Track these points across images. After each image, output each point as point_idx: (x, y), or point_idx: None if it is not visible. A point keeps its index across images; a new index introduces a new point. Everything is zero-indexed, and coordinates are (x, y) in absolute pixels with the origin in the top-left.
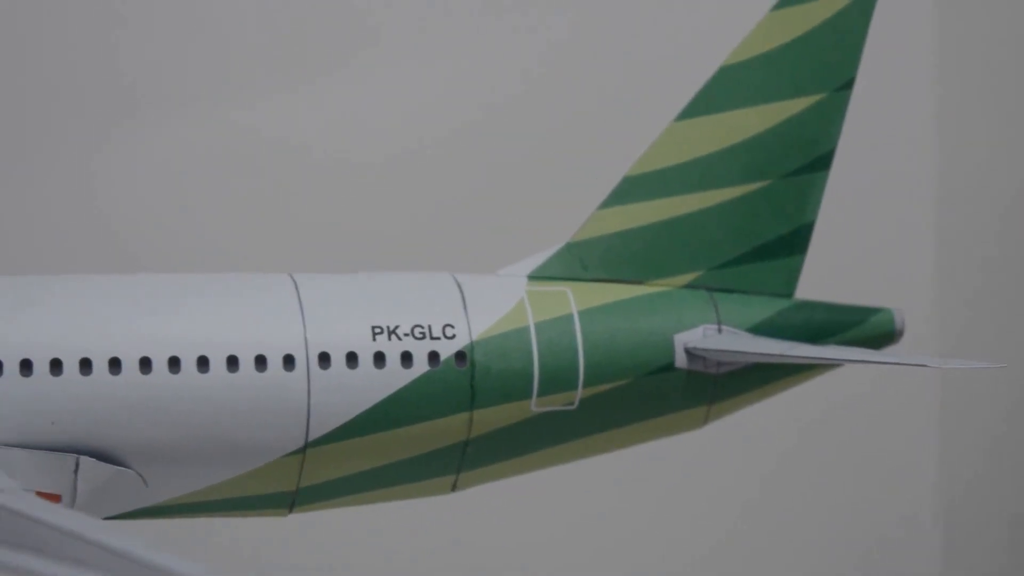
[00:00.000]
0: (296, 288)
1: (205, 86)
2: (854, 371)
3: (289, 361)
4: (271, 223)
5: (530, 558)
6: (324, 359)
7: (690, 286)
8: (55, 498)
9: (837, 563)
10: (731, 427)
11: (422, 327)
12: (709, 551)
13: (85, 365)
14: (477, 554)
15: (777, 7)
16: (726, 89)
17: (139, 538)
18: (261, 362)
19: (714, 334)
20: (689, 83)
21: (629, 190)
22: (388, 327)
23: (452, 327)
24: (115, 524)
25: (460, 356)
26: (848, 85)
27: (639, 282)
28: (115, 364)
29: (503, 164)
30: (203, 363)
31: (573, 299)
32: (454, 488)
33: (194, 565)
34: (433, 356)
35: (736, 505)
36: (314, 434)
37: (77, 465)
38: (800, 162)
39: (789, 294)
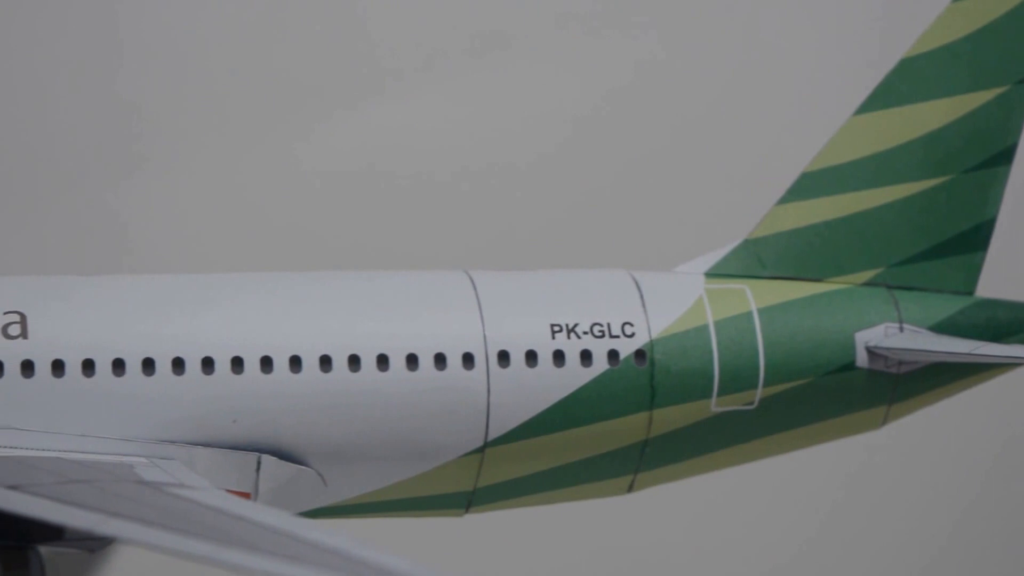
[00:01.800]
0: (473, 285)
1: (343, 88)
2: None
3: (468, 359)
4: (438, 223)
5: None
6: (503, 357)
7: (869, 283)
8: (245, 496)
9: None
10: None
11: (601, 325)
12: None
13: (266, 363)
14: (652, 555)
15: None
16: (906, 82)
17: (346, 534)
18: (441, 360)
19: (896, 333)
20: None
21: (807, 186)
22: (567, 325)
23: (631, 325)
24: (318, 522)
25: (640, 355)
26: None
27: (818, 279)
28: (296, 362)
29: (678, 160)
30: (383, 361)
31: (752, 297)
32: (631, 489)
33: (403, 561)
34: (613, 355)
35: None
36: (493, 433)
37: (259, 464)
38: (982, 157)
39: (970, 291)
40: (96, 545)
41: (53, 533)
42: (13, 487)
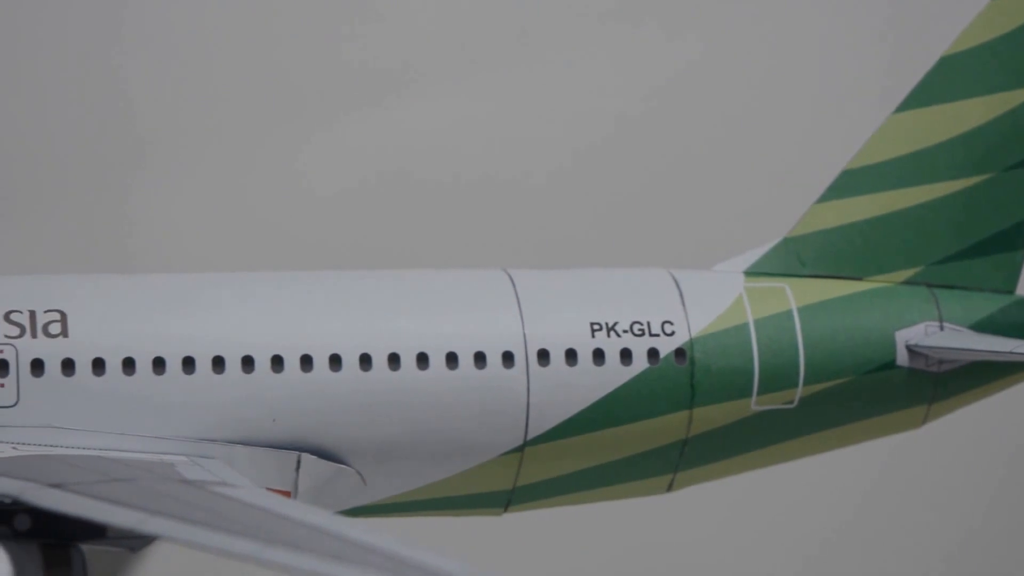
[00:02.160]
0: (512, 284)
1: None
2: None
3: (508, 358)
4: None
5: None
6: (543, 356)
7: (909, 282)
8: (286, 495)
9: None
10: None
11: (641, 324)
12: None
13: (306, 362)
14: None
15: None
16: (946, 80)
17: (390, 534)
18: (480, 359)
19: (936, 331)
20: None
21: (847, 184)
22: (607, 323)
23: (671, 324)
24: (362, 520)
25: (680, 353)
26: None
27: (857, 278)
28: (335, 361)
29: (717, 158)
30: (423, 360)
31: (791, 295)
32: (670, 488)
33: (450, 561)
34: (652, 353)
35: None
36: (533, 432)
37: (299, 463)
38: (1022, 154)
39: (1010, 290)
40: (138, 544)
41: (95, 531)
42: (55, 485)
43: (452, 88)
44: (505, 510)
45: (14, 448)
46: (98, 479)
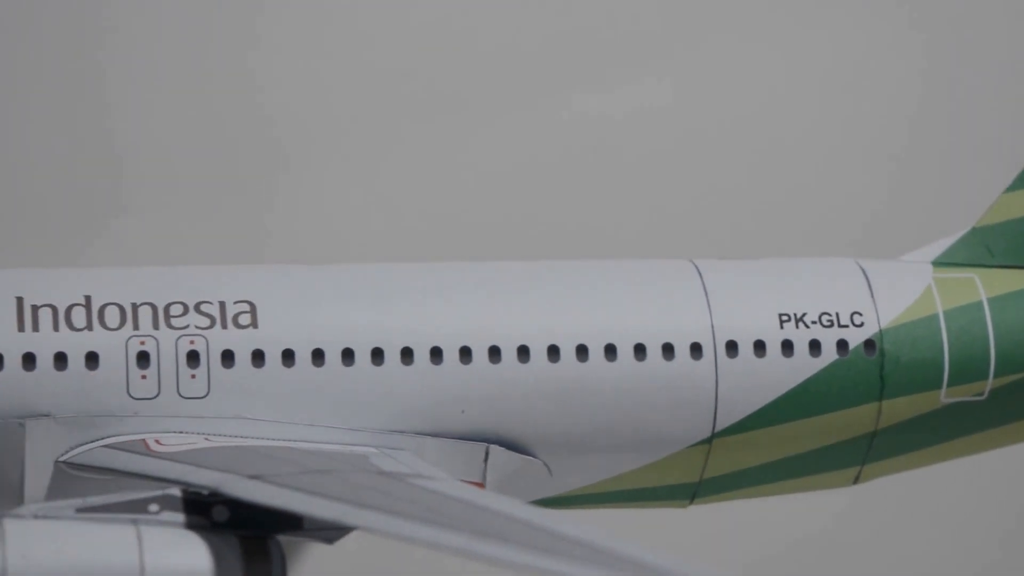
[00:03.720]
0: (699, 274)
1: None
2: None
3: (696, 349)
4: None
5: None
6: (731, 347)
7: None
8: (479, 487)
9: None
10: None
11: (829, 315)
12: None
13: (494, 353)
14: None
15: None
16: None
17: (596, 527)
18: (668, 351)
19: None
20: None
21: None
22: (795, 314)
23: (860, 315)
24: (567, 513)
25: (869, 345)
26: None
27: None
28: (523, 352)
29: (905, 148)
30: (611, 351)
31: (981, 286)
32: (856, 481)
33: (659, 556)
34: (842, 345)
35: None
36: (721, 424)
37: (487, 454)
38: None
39: None
40: (334, 535)
41: (292, 523)
42: (254, 477)
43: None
44: (691, 502)
45: (207, 439)
46: (296, 470)
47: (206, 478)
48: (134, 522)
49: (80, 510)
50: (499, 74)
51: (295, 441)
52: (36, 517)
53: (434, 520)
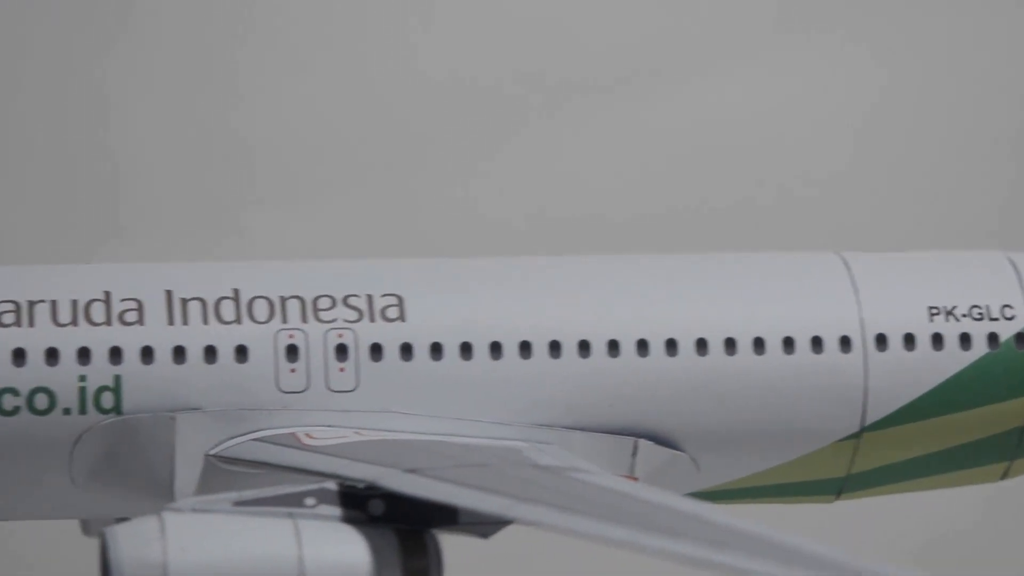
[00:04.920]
0: (847, 267)
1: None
2: None
3: (845, 343)
4: (806, 204)
5: None
6: (881, 341)
7: None
8: (633, 481)
9: None
10: None
11: (980, 308)
12: None
13: (642, 347)
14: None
15: None
16: None
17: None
18: (817, 344)
19: None
20: None
21: None
22: (945, 308)
23: (1011, 308)
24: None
25: (1020, 338)
26: None
27: None
28: (671, 346)
29: None
30: (759, 345)
31: None
32: (1004, 476)
33: (830, 548)
34: (992, 338)
35: None
36: (870, 418)
37: (635, 448)
38: None
39: None
40: (490, 530)
41: (448, 517)
42: (412, 471)
43: (780, 64)
44: (837, 497)
45: (357, 433)
46: (453, 464)
47: (363, 472)
48: (291, 515)
49: (237, 503)
50: (632, 63)
51: (444, 435)
52: (194, 510)
53: (599, 514)
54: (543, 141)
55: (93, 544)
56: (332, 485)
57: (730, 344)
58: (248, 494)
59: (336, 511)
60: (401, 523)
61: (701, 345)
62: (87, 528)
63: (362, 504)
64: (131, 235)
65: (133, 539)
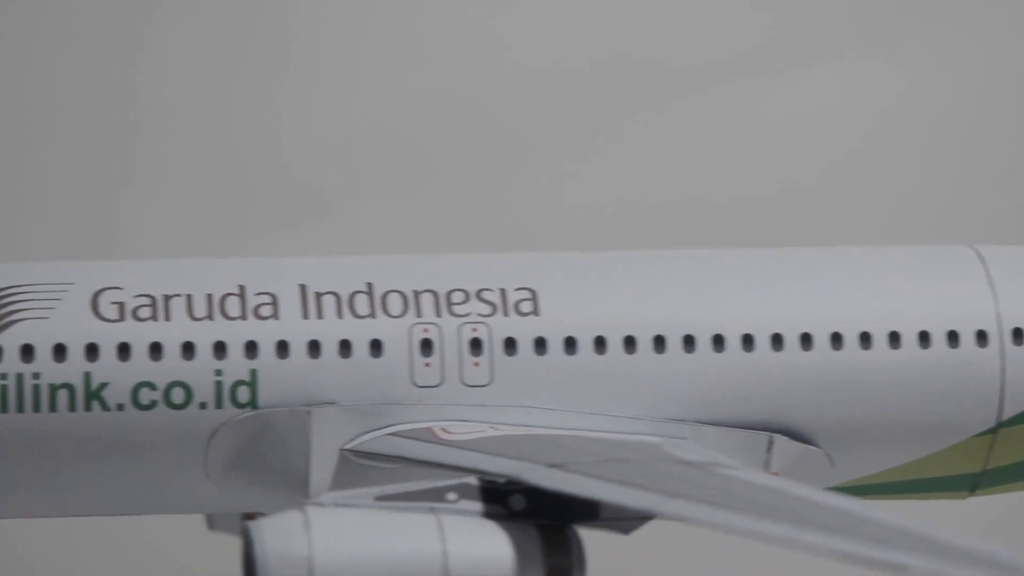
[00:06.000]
0: (982, 260)
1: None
2: None
3: (982, 337)
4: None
5: None
6: (1018, 335)
7: None
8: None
9: None
10: None
11: None
12: None
13: (776, 341)
14: None
15: None
16: None
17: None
18: (953, 338)
19: None
20: None
21: None
22: None
23: None
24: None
25: None
26: None
27: None
28: (806, 340)
29: None
30: (894, 339)
31: None
32: None
33: (989, 544)
34: None
35: None
36: (1007, 413)
37: (770, 443)
38: None
39: None
40: (631, 525)
41: (589, 512)
42: (555, 465)
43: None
44: (971, 494)
45: (492, 428)
46: (595, 459)
47: (505, 467)
48: (433, 510)
49: (379, 498)
50: (747, 53)
51: (579, 430)
52: (337, 505)
53: (753, 510)
54: (645, 130)
55: (218, 539)
56: (472, 480)
57: (865, 338)
58: (390, 489)
59: (477, 506)
60: (542, 519)
61: (836, 339)
62: (212, 523)
63: (503, 499)
64: (239, 230)
65: (278, 533)
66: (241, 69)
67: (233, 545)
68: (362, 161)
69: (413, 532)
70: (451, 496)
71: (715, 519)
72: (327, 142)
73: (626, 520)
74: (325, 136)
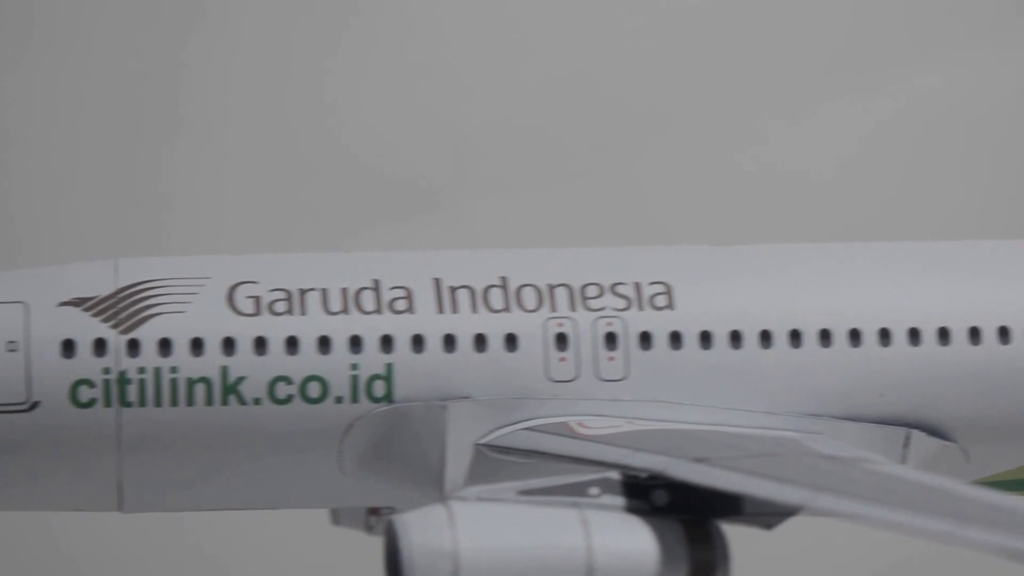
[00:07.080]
0: None
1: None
2: None
3: None
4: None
5: None
6: None
7: None
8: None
9: None
10: None
11: None
12: None
13: (914, 336)
14: None
15: None
16: None
17: None
18: None
19: None
20: None
21: None
22: None
23: None
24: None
25: None
26: None
27: None
28: (943, 335)
29: None
30: None
31: None
32: None
33: None
34: None
35: None
36: None
37: (907, 439)
38: None
39: None
40: (774, 521)
41: (732, 508)
42: (699, 460)
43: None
44: None
45: (629, 423)
46: (739, 454)
47: (648, 461)
48: (576, 505)
49: (522, 492)
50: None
51: (717, 424)
52: (480, 500)
53: (907, 505)
54: (787, 123)
55: (341, 533)
56: (614, 475)
57: (1003, 333)
58: (532, 483)
59: (620, 501)
60: (684, 514)
61: (974, 334)
62: (337, 518)
63: (645, 494)
64: (352, 223)
65: (423, 528)
66: (352, 65)
67: (357, 540)
68: (475, 155)
69: (557, 527)
70: (593, 491)
71: (870, 513)
72: (447, 137)
73: (769, 515)
74: (444, 132)
